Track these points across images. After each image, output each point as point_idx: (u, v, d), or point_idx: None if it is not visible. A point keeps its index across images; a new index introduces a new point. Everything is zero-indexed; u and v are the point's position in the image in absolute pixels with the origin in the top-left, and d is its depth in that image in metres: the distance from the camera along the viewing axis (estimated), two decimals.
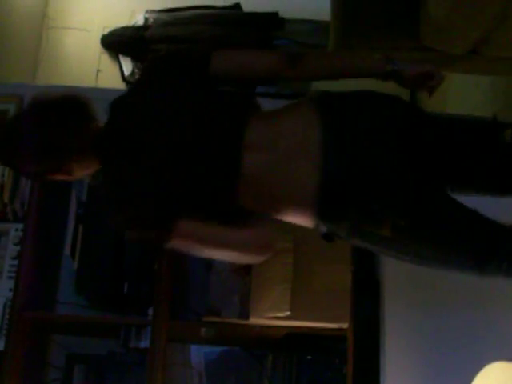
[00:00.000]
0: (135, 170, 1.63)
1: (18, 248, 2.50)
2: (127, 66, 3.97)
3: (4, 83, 3.07)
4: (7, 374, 2.35)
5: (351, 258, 2.40)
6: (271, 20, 3.92)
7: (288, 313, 2.35)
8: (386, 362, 2.28)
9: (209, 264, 2.43)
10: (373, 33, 2.55)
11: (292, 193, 1.61)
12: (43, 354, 2.66)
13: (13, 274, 2.46)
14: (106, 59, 4.07)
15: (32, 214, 2.51)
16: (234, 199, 1.62)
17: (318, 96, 1.69)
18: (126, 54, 4.00)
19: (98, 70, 4.05)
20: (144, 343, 2.44)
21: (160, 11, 4.03)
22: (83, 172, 1.74)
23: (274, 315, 2.37)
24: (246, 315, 2.39)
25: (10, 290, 2.44)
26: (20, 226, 2.53)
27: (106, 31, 4.07)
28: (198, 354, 2.66)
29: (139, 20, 4.03)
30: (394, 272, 2.34)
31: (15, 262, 2.48)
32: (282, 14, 3.93)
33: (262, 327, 2.43)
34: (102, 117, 1.72)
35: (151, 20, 3.99)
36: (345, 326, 2.38)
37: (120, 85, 3.88)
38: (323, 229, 1.63)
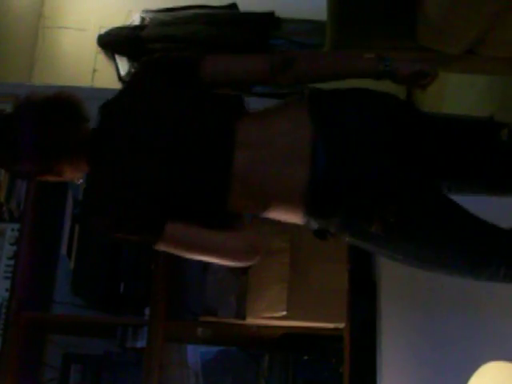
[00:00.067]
0: (124, 172, 1.61)
1: (15, 248, 2.50)
2: (123, 65, 3.96)
3: (0, 83, 3.07)
4: (3, 373, 2.35)
5: (348, 257, 2.41)
6: (267, 20, 3.91)
7: (284, 313, 2.35)
8: (383, 361, 2.28)
9: (205, 264, 2.42)
10: (369, 33, 2.55)
11: (282, 190, 1.60)
12: (40, 353, 2.66)
13: (9, 274, 2.46)
14: (102, 59, 4.06)
15: (28, 214, 2.51)
16: (225, 199, 1.61)
17: (308, 94, 1.69)
18: (122, 54, 3.99)
19: (95, 70, 4.04)
20: (140, 343, 2.44)
21: (156, 11, 4.03)
22: (74, 173, 1.72)
23: (270, 315, 2.37)
24: (242, 315, 2.39)
25: (7, 290, 2.44)
26: (16, 225, 2.53)
27: (103, 31, 4.05)
28: (195, 353, 2.66)
29: (135, 20, 4.02)
30: (391, 273, 2.34)
31: (11, 262, 2.48)
32: (278, 13, 3.93)
33: (259, 327, 2.43)
34: (96, 117, 1.71)
35: (147, 20, 3.98)
36: (341, 325, 2.38)
37: (116, 84, 3.86)
38: (314, 225, 1.63)
